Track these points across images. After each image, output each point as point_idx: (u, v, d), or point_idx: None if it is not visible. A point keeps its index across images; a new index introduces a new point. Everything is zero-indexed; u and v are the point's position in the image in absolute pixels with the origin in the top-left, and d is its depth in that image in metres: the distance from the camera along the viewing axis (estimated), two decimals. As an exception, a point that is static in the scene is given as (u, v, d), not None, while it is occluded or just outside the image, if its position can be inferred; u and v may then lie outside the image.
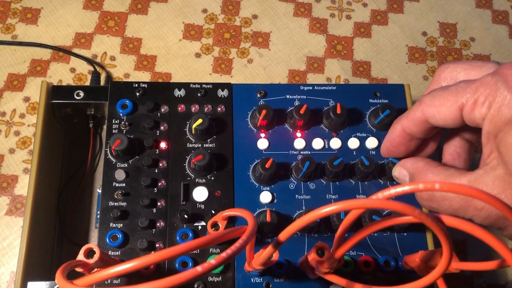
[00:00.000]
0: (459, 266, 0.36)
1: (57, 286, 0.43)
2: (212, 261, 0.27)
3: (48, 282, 0.43)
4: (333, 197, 0.47)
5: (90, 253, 0.35)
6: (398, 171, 0.43)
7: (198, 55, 0.63)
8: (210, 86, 0.50)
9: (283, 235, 0.31)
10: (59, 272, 0.30)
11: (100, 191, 0.53)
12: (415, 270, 0.43)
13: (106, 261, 0.38)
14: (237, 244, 0.28)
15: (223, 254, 0.27)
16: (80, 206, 0.54)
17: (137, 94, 0.49)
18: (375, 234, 0.46)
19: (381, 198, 0.28)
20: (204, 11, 0.66)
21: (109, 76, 0.61)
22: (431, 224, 0.28)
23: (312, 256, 0.37)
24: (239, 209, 0.36)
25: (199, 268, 0.26)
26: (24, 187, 0.56)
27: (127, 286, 0.26)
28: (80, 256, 0.35)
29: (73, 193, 0.54)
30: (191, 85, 0.50)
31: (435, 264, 0.39)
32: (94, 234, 0.53)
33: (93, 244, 0.35)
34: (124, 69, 0.62)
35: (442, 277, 0.39)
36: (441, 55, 0.67)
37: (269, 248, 0.32)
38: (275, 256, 0.36)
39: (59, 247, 0.52)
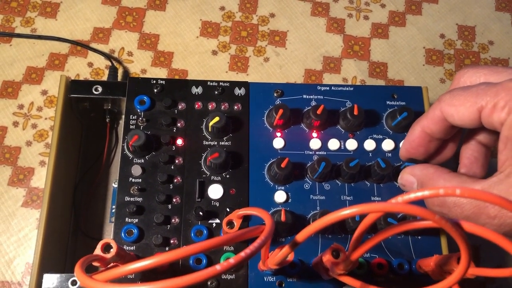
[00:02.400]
0: (475, 272, 0.36)
1: (73, 278, 0.43)
2: (231, 260, 0.27)
3: (63, 275, 0.43)
4: (348, 198, 0.47)
5: (107, 248, 0.36)
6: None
7: (215, 53, 0.64)
8: (228, 84, 0.50)
9: (301, 236, 0.31)
10: (78, 266, 0.30)
11: (115, 185, 0.53)
12: (429, 274, 0.43)
13: (122, 256, 0.38)
14: (255, 244, 0.28)
15: (242, 254, 0.27)
16: (95, 200, 0.54)
17: (155, 90, 0.49)
18: (390, 237, 0.46)
19: (400, 202, 0.28)
20: (222, 8, 0.66)
21: (126, 72, 0.62)
22: (451, 230, 0.28)
23: (327, 258, 0.37)
24: (256, 208, 0.36)
25: (218, 267, 0.26)
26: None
27: (148, 283, 0.26)
28: (98, 251, 0.35)
29: (89, 187, 0.55)
30: (209, 83, 0.50)
31: (450, 269, 0.39)
32: (108, 228, 0.54)
33: (110, 239, 0.36)
34: (141, 64, 0.62)
35: (457, 282, 0.38)
36: (459, 58, 0.66)
37: (286, 249, 0.33)
38: (291, 257, 0.36)
39: (73, 240, 0.53)
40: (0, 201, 0.55)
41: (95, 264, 0.36)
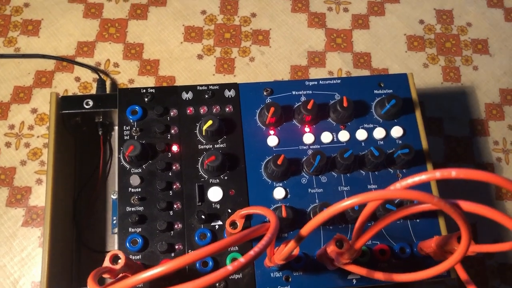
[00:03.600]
0: (475, 249, 0.37)
1: (81, 293, 0.44)
2: (241, 259, 0.27)
3: (72, 290, 0.44)
4: (345, 189, 0.48)
5: (115, 259, 0.36)
6: None
7: (200, 57, 0.64)
8: (217, 87, 0.51)
9: (305, 230, 0.32)
10: (91, 279, 0.31)
11: (114, 197, 0.53)
12: (431, 255, 0.44)
13: (130, 266, 0.38)
14: (263, 242, 0.29)
15: (251, 252, 0.28)
16: (95, 213, 0.55)
17: (146, 99, 0.50)
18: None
19: (399, 188, 0.29)
20: (203, 12, 0.67)
21: (114, 83, 0.62)
22: (450, 211, 0.29)
23: (331, 248, 0.38)
24: (258, 207, 0.37)
25: (230, 267, 0.27)
26: (38, 197, 0.56)
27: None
28: (106, 263, 0.36)
29: (88, 201, 0.55)
30: (198, 87, 0.51)
31: (451, 248, 0.40)
32: (111, 240, 0.54)
33: (117, 250, 0.36)
34: (128, 74, 0.62)
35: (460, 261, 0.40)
36: (440, 42, 0.67)
37: (291, 243, 0.33)
38: (296, 251, 0.37)
39: (77, 254, 0.53)
40: (0, 222, 0.55)
41: (105, 276, 0.36)
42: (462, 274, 0.38)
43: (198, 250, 0.28)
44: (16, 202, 0.56)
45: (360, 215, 0.33)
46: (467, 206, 0.30)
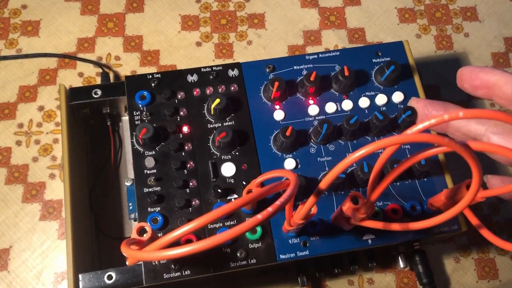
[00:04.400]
0: (485, 194, 0.39)
1: (108, 273, 0.45)
2: (269, 209, 0.29)
3: (98, 272, 0.45)
4: (326, 159, 0.50)
5: (142, 232, 0.37)
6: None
7: (199, 44, 0.65)
8: (221, 67, 0.52)
9: (324, 183, 0.33)
10: (124, 245, 0.32)
11: (128, 184, 0.55)
12: (442, 209, 0.46)
13: (155, 239, 0.40)
14: (288, 192, 0.30)
15: (277, 202, 0.29)
16: (110, 201, 0.56)
17: (153, 84, 0.51)
18: (397, 183, 0.49)
19: (412, 133, 0.30)
20: (198, 1, 0.68)
21: (117, 75, 0.63)
22: (461, 151, 0.30)
23: (347, 206, 0.39)
24: (274, 170, 0.38)
25: (259, 216, 0.28)
26: (53, 192, 0.57)
27: (192, 244, 0.28)
28: (134, 235, 0.37)
29: (102, 190, 0.56)
30: (202, 69, 0.52)
31: (461, 198, 0.42)
32: (127, 226, 0.55)
33: (144, 223, 0.37)
34: (130, 66, 0.64)
35: (469, 208, 0.41)
36: (430, 12, 0.69)
37: (311, 198, 0.35)
38: (314, 209, 0.38)
39: (97, 242, 0.54)
40: (18, 218, 0.56)
41: (133, 247, 0.37)
42: (473, 219, 0.40)
43: (225, 205, 0.29)
44: (31, 197, 0.57)
45: (374, 166, 0.34)
46: (477, 145, 0.31)
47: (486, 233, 0.39)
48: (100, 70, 0.62)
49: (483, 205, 0.59)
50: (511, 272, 0.56)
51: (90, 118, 0.56)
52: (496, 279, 0.56)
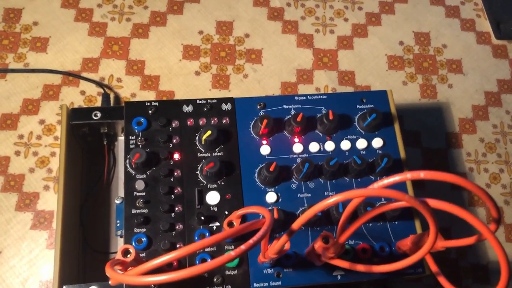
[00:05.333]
0: (445, 244, 0.42)
1: (92, 287, 0.48)
2: (242, 247, 0.32)
3: (82, 285, 0.48)
4: (331, 193, 0.53)
5: (126, 253, 0.40)
6: None
7: (197, 73, 0.69)
8: (215, 101, 0.56)
9: (296, 225, 0.37)
10: (108, 267, 0.35)
11: (118, 202, 0.58)
12: (408, 253, 0.49)
13: (138, 261, 0.43)
14: (261, 232, 0.33)
15: (250, 241, 0.33)
16: (99, 217, 0.59)
17: (150, 112, 0.54)
18: (370, 224, 0.52)
19: (377, 187, 0.34)
20: (200, 32, 0.72)
21: (117, 97, 0.66)
22: (419, 206, 0.34)
23: (318, 244, 0.42)
24: (254, 206, 0.41)
25: (232, 253, 0.31)
26: (45, 203, 0.60)
27: (171, 272, 0.31)
28: (118, 256, 0.40)
29: (93, 206, 0.59)
30: (198, 101, 0.56)
31: (424, 244, 0.45)
32: (114, 242, 0.58)
33: (129, 245, 0.40)
34: (130, 89, 0.67)
35: (431, 255, 0.45)
36: (418, 62, 0.73)
37: (284, 236, 0.38)
38: (287, 245, 0.42)
39: (83, 255, 0.57)
40: (10, 225, 0.59)
41: (117, 268, 0.40)
42: (433, 266, 0.43)
43: (205, 239, 0.32)
44: (24, 206, 0.60)
45: (343, 212, 0.38)
46: (434, 203, 0.35)
47: (442, 281, 0.42)
48: (101, 90, 0.65)
49: (452, 250, 0.63)
50: (472, 316, 0.60)
51: (88, 136, 0.59)
52: (458, 321, 0.59)
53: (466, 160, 0.68)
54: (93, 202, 0.59)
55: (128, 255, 0.40)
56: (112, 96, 0.66)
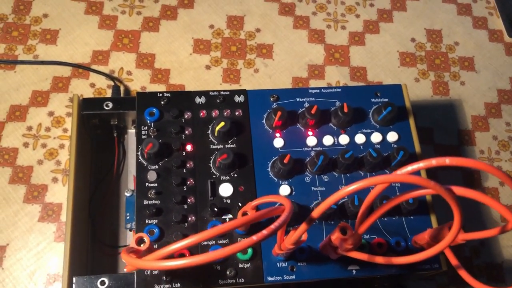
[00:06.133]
0: (465, 237, 0.41)
1: (101, 279, 0.47)
2: (264, 231, 0.31)
3: (92, 276, 0.47)
4: (319, 189, 0.52)
5: (140, 241, 0.39)
6: None
7: (208, 67, 0.68)
8: (228, 93, 0.55)
9: (317, 212, 0.36)
10: (124, 253, 0.34)
11: (127, 194, 0.57)
12: (424, 247, 0.48)
13: (151, 250, 0.42)
14: (282, 218, 0.33)
15: (272, 226, 0.32)
16: (108, 210, 0.58)
17: (162, 102, 0.54)
18: (385, 219, 0.51)
19: (402, 173, 0.33)
20: (211, 27, 0.71)
21: (127, 89, 0.66)
22: (445, 194, 0.33)
23: (336, 236, 0.41)
24: (271, 195, 0.41)
25: (254, 237, 0.31)
26: (54, 195, 0.59)
27: (190, 257, 0.31)
28: (132, 244, 0.39)
29: (102, 198, 0.58)
30: (210, 93, 0.55)
31: (443, 238, 0.44)
32: (122, 235, 0.57)
33: (143, 233, 0.40)
34: (140, 82, 0.66)
35: (450, 249, 0.44)
36: (430, 59, 0.73)
37: (303, 225, 0.37)
38: (305, 236, 0.41)
39: (92, 248, 0.56)
40: (17, 217, 0.58)
41: (131, 255, 0.39)
42: (453, 260, 0.42)
43: (223, 225, 0.31)
44: (33, 199, 0.59)
45: (364, 200, 0.37)
46: (459, 190, 0.34)
47: (464, 274, 0.41)
48: (111, 83, 0.65)
49: (465, 248, 0.62)
50: (487, 315, 0.58)
51: (98, 128, 0.59)
52: (472, 320, 0.58)
53: (479, 157, 0.67)
54: (102, 195, 0.58)
55: (142, 244, 0.39)
56: (122, 89, 0.65)
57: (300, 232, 0.38)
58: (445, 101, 0.70)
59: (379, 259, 0.41)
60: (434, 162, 0.33)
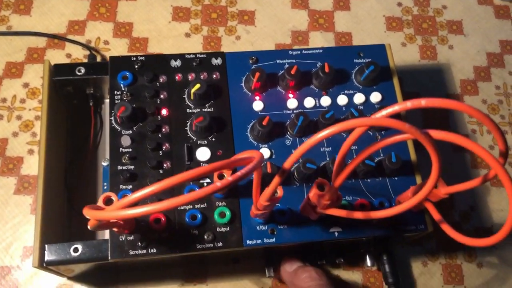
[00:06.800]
0: (448, 190, 0.40)
1: (74, 246, 0.45)
2: (229, 178, 0.30)
3: (65, 243, 0.45)
4: (327, 149, 0.51)
5: (108, 201, 0.38)
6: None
7: (188, 35, 0.66)
8: (204, 55, 0.53)
9: (288, 162, 0.34)
10: (86, 208, 0.33)
11: (104, 164, 0.55)
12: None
13: (122, 212, 0.40)
14: (250, 166, 0.31)
15: (238, 173, 0.30)
16: (86, 180, 0.56)
17: (136, 66, 0.52)
18: (368, 180, 0.50)
19: (379, 116, 0.31)
20: (191, -6, 0.69)
21: (104, 59, 0.64)
22: (421, 137, 0.31)
23: (313, 192, 0.40)
24: (246, 151, 0.39)
25: (218, 184, 0.29)
26: (30, 167, 0.58)
27: (154, 203, 0.29)
28: (100, 203, 0.37)
29: (79, 169, 0.56)
30: (186, 55, 0.53)
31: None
32: (101, 206, 0.55)
33: (111, 193, 0.38)
34: (117, 52, 0.64)
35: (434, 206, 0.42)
36: (417, 23, 0.71)
37: (276, 178, 0.35)
38: (280, 192, 0.39)
39: (68, 220, 0.55)
40: (-8, 191, 0.56)
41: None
42: (435, 215, 0.41)
43: (188, 171, 0.30)
44: (8, 171, 0.57)
45: (340, 148, 0.35)
46: (437, 134, 0.32)
47: (446, 228, 0.40)
48: (88, 53, 0.63)
49: (454, 213, 0.60)
50: (476, 279, 0.57)
51: (73, 97, 0.57)
52: (461, 284, 0.57)
53: (468, 121, 0.65)
54: (79, 166, 0.56)
55: (110, 204, 0.38)
56: (99, 58, 0.63)
57: (274, 185, 0.36)
58: (433, 66, 0.68)
59: (358, 214, 0.40)
60: (409, 104, 0.31)
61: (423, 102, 0.31)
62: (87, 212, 0.32)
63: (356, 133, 0.33)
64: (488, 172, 0.35)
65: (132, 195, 0.30)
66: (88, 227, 0.34)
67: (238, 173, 0.30)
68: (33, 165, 0.58)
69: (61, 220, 0.54)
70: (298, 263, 0.52)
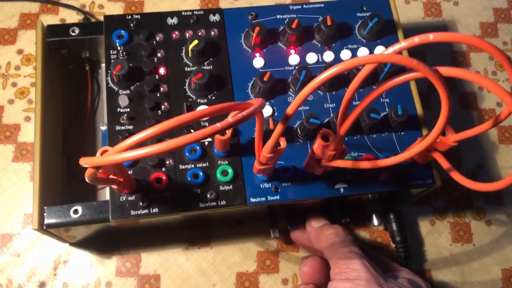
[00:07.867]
0: (457, 137, 0.38)
1: (74, 208, 0.44)
2: (229, 119, 0.28)
3: (64, 205, 0.44)
4: (330, 105, 0.49)
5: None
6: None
7: (185, -3, 0.65)
8: (202, 12, 0.52)
9: (291, 108, 0.33)
10: (82, 158, 0.31)
11: (103, 128, 0.54)
12: (416, 160, 0.45)
13: (121, 168, 0.39)
14: (251, 108, 0.29)
15: (239, 115, 0.29)
16: (85, 145, 0.55)
17: (131, 25, 0.50)
18: (374, 136, 0.48)
19: (387, 53, 0.30)
20: (187, -46, 0.67)
21: (99, 23, 0.62)
22: (430, 74, 0.30)
23: (318, 143, 0.39)
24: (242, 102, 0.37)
25: (218, 124, 0.28)
26: (27, 134, 0.57)
27: (154, 145, 0.28)
28: (98, 156, 0.36)
29: (77, 134, 0.55)
30: (183, 13, 0.51)
31: (435, 146, 0.41)
32: (101, 172, 0.54)
33: (109, 147, 0.36)
34: (113, 15, 0.62)
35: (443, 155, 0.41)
36: (421, -20, 0.69)
37: (279, 125, 0.34)
38: (283, 144, 0.38)
39: (68, 185, 0.53)
40: (-10, 159, 0.55)
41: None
42: (444, 163, 0.39)
43: (187, 114, 0.28)
44: (5, 139, 0.56)
45: (345, 93, 0.33)
46: (445, 70, 0.31)
47: (457, 176, 0.38)
48: (82, 17, 0.61)
49: (462, 171, 0.59)
50: (485, 237, 0.56)
51: (69, 62, 0.55)
52: (470, 242, 0.56)
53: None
54: (78, 131, 0.55)
55: (108, 159, 0.36)
56: (94, 23, 0.62)
57: (277, 134, 0.35)
58: (438, 23, 0.66)
59: (364, 164, 0.39)
60: (416, 40, 0.30)
61: (431, 37, 0.29)
62: (84, 160, 0.30)
63: (365, 71, 0.31)
64: (499, 114, 0.34)
65: (129, 139, 0.28)
66: (86, 179, 0.33)
67: (239, 115, 0.29)
68: (30, 132, 0.57)
69: (61, 186, 0.52)
70: (325, 220, 0.50)
